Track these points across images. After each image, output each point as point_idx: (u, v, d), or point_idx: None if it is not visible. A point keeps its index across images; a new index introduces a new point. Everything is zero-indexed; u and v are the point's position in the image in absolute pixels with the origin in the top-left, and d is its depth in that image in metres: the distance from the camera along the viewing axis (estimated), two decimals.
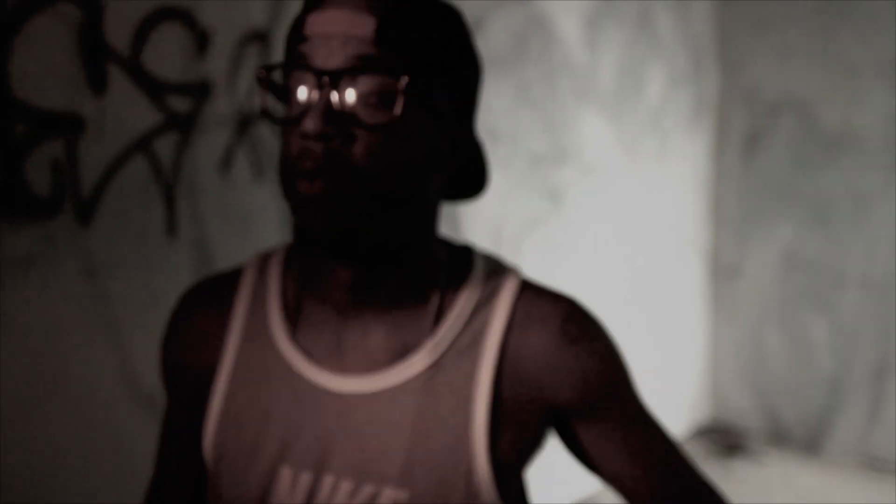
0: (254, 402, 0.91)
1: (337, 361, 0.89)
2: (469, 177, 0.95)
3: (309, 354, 0.90)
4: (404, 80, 0.79)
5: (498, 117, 3.03)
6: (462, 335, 0.89)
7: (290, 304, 0.93)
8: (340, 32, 0.79)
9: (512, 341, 0.89)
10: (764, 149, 4.28)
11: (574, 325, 0.90)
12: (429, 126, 0.85)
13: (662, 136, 3.99)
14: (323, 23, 0.80)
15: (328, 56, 0.79)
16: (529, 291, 0.92)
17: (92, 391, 1.91)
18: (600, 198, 3.65)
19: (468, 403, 0.87)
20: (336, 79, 0.78)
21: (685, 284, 4.32)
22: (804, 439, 4.23)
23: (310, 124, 0.77)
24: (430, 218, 0.91)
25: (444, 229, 2.83)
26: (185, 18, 1.99)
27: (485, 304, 0.90)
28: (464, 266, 0.93)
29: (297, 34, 0.83)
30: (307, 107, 0.79)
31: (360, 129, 0.79)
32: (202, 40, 2.02)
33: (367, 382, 0.88)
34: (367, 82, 0.79)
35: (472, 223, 3.02)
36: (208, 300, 0.98)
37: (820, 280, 4.16)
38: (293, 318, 0.92)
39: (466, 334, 0.89)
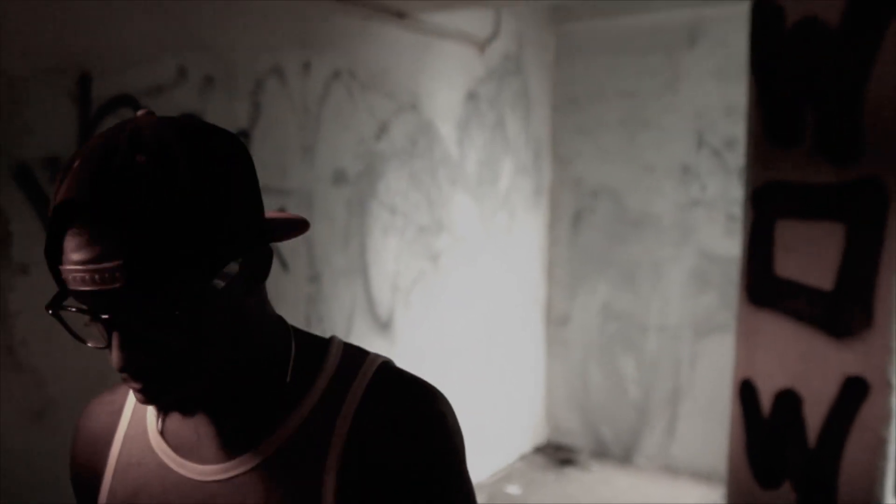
0: (133, 496, 0.92)
1: (197, 453, 0.90)
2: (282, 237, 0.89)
3: (175, 447, 0.92)
4: (166, 294, 0.76)
5: (395, 197, 3.61)
6: (311, 421, 0.87)
7: None
8: (95, 281, 0.75)
9: (359, 426, 0.86)
10: (586, 225, 4.80)
11: (406, 417, 0.86)
12: (217, 283, 0.80)
13: (511, 213, 4.55)
14: (74, 275, 0.76)
15: (96, 302, 0.77)
16: (384, 379, 0.89)
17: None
18: (467, 260, 4.19)
19: (317, 485, 0.84)
20: (112, 323, 0.77)
21: (527, 330, 4.83)
22: (619, 452, 4.75)
23: (115, 359, 0.78)
24: (257, 322, 0.88)
25: (356, 283, 3.36)
26: (133, 104, 2.54)
27: (337, 392, 0.88)
28: (319, 357, 0.91)
29: (60, 281, 0.79)
30: (104, 340, 0.79)
31: (155, 344, 0.79)
32: None
33: (223, 470, 0.88)
34: (143, 309, 0.77)
35: (377, 276, 3.57)
36: (101, 408, 0.99)
37: (629, 327, 4.69)
38: (164, 416, 0.94)
39: (316, 420, 0.87)
